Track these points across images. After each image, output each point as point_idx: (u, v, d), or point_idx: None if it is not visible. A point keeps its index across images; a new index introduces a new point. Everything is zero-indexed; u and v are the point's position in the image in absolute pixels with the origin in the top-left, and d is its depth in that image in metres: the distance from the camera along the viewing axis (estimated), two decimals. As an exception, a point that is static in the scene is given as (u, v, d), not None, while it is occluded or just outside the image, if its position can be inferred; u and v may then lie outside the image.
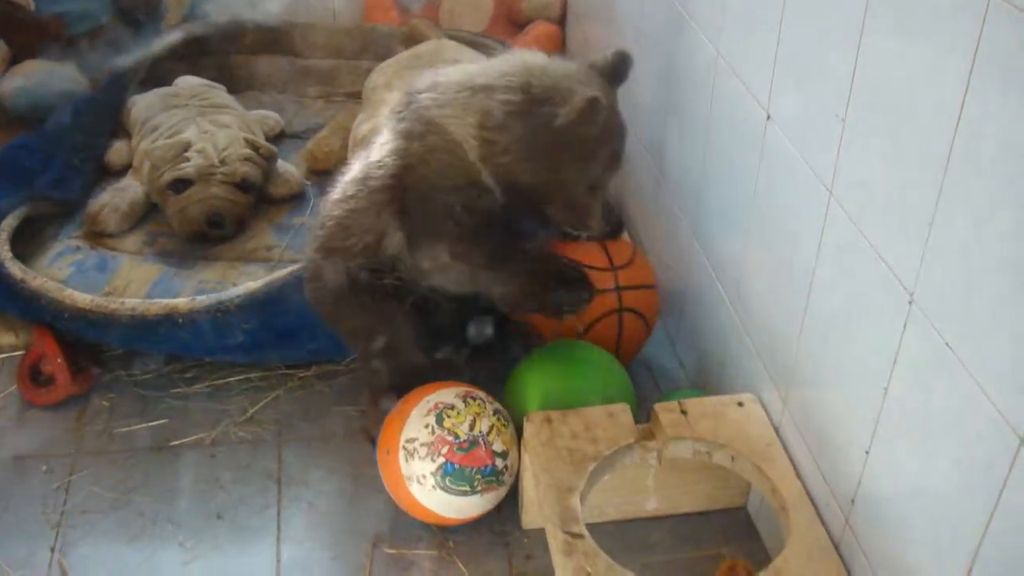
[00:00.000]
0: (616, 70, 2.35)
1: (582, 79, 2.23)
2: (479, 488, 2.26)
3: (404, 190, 2.27)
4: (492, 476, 2.26)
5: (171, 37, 3.92)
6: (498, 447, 2.27)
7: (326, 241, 2.43)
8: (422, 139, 2.25)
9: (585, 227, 2.31)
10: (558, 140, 2.15)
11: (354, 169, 2.44)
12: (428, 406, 2.29)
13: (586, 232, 2.38)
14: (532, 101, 2.16)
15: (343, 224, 2.39)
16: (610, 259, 2.60)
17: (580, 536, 1.97)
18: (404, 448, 2.26)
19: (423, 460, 2.24)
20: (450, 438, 2.24)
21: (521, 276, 2.29)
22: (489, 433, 2.27)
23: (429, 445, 2.24)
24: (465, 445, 2.24)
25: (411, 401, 2.33)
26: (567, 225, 2.34)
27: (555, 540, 1.98)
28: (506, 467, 2.29)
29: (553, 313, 2.32)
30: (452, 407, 2.28)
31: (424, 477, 2.25)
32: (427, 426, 2.26)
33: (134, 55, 3.78)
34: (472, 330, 2.26)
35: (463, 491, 2.25)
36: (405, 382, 2.42)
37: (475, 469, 2.24)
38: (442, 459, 2.23)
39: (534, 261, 2.33)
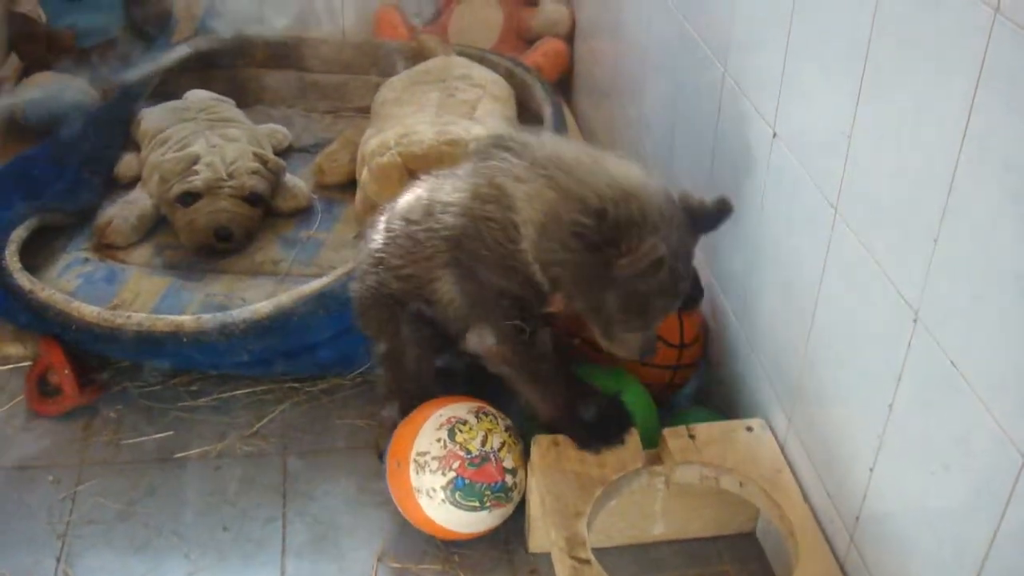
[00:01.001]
0: (710, 218, 2.19)
1: (664, 220, 2.07)
2: (488, 504, 2.26)
3: (459, 248, 2.23)
4: (501, 492, 2.27)
5: (181, 52, 3.93)
6: (508, 463, 2.27)
7: (381, 250, 2.41)
8: (484, 204, 2.18)
9: (622, 355, 2.24)
10: (612, 284, 2.06)
11: (427, 189, 2.38)
12: (441, 420, 2.30)
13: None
14: (601, 234, 2.03)
15: (398, 243, 2.37)
16: (682, 335, 2.50)
17: (587, 562, 1.96)
18: (415, 461, 2.27)
19: (434, 473, 2.25)
20: (462, 453, 2.25)
21: (561, 404, 2.26)
22: (500, 449, 2.27)
23: (441, 459, 2.25)
24: (477, 460, 2.24)
25: (423, 414, 2.33)
26: (604, 347, 2.24)
27: (562, 566, 1.97)
28: (515, 484, 2.29)
29: (583, 447, 2.23)
30: (465, 422, 2.29)
31: (434, 491, 2.25)
32: (439, 440, 2.26)
33: (145, 68, 3.80)
34: (473, 339, 2.25)
35: (472, 506, 2.25)
36: (403, 390, 2.43)
37: (485, 485, 2.24)
38: (453, 473, 2.24)
39: (580, 392, 2.28)
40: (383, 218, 2.47)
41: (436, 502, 2.25)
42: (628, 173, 2.14)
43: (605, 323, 2.15)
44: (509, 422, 2.35)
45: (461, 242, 2.21)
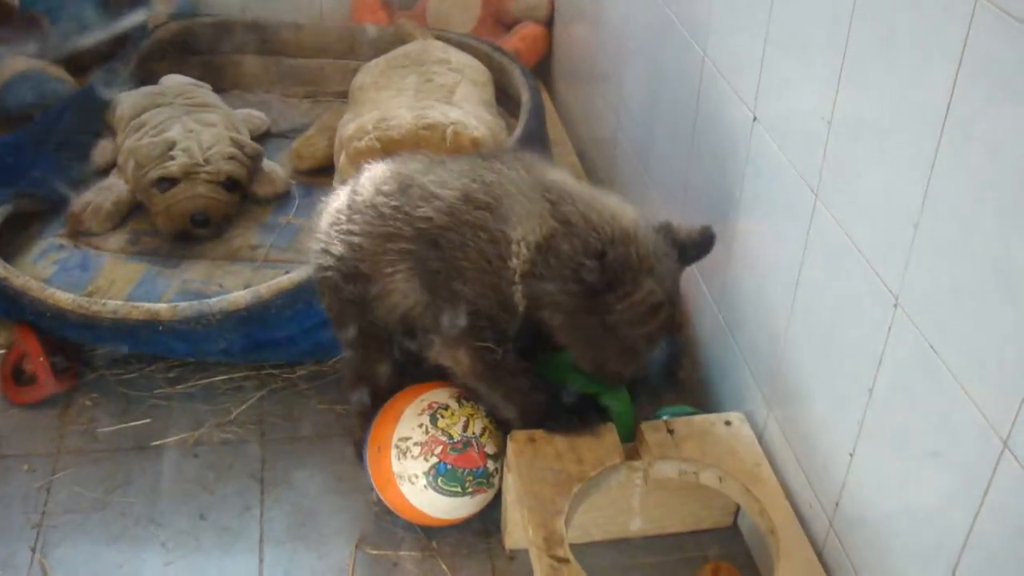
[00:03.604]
0: (695, 247, 2.20)
1: (658, 261, 2.09)
2: (470, 489, 2.25)
3: (432, 249, 2.14)
4: (483, 478, 2.26)
5: (158, 35, 3.91)
6: (490, 449, 2.27)
7: (338, 211, 2.31)
8: (475, 210, 2.12)
9: (613, 383, 2.28)
10: (606, 327, 2.08)
11: (408, 167, 2.29)
12: (422, 405, 2.29)
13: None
14: (601, 277, 2.02)
15: (358, 209, 2.26)
16: None
17: (566, 560, 1.94)
18: (396, 446, 2.25)
19: (416, 459, 2.23)
20: (444, 438, 2.24)
21: (534, 413, 2.22)
22: (482, 435, 2.26)
23: (423, 444, 2.23)
24: (459, 446, 2.24)
25: (404, 399, 2.32)
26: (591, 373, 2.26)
27: (540, 564, 1.95)
28: (496, 469, 2.28)
29: (562, 431, 2.22)
30: (446, 407, 2.28)
31: (416, 476, 2.24)
32: (421, 425, 2.25)
33: (120, 53, 3.77)
34: (445, 321, 2.21)
35: (454, 492, 2.24)
36: (374, 374, 2.39)
37: (467, 470, 2.24)
38: (435, 459, 2.23)
39: (552, 396, 2.25)
40: (348, 184, 2.39)
41: (418, 488, 2.24)
42: (624, 212, 2.13)
43: (597, 361, 2.17)
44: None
45: (437, 243, 2.14)
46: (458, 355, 2.19)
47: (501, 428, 2.31)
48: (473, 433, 2.26)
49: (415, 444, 2.24)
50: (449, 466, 2.23)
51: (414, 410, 2.29)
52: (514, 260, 2.09)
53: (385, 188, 2.25)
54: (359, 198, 2.29)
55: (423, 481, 2.24)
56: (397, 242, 2.19)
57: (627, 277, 2.04)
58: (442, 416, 2.26)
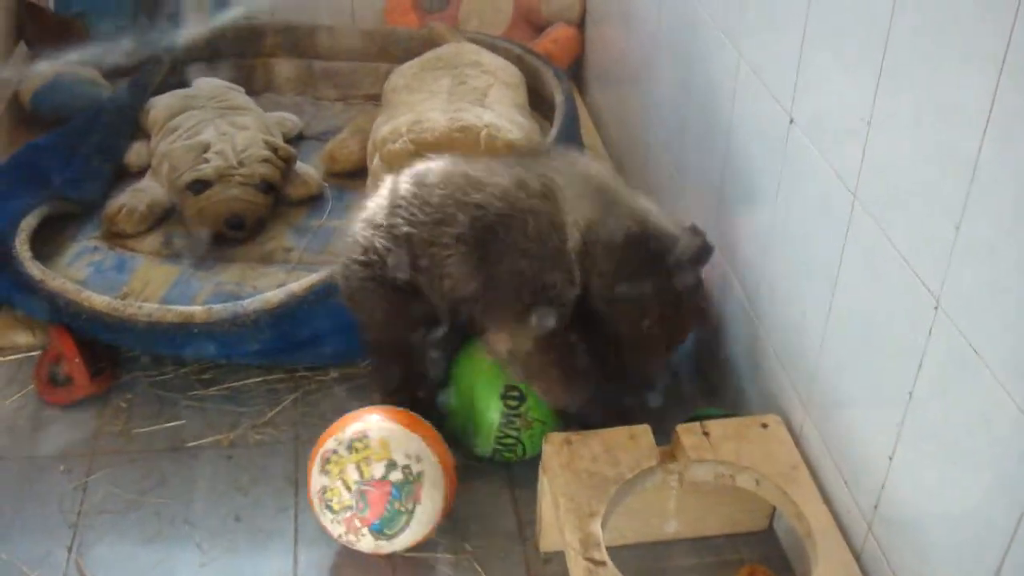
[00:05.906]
0: (699, 253, 2.31)
1: (685, 233, 2.30)
2: (408, 507, 2.18)
3: (489, 232, 2.22)
4: (405, 488, 2.17)
5: (191, 39, 3.93)
6: (378, 470, 2.16)
7: (375, 212, 2.37)
8: (531, 198, 2.23)
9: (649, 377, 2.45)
10: (653, 290, 2.25)
11: (446, 161, 2.39)
12: (314, 496, 2.22)
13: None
14: (647, 234, 2.24)
15: (399, 203, 2.32)
16: None
17: (602, 563, 1.92)
18: (331, 524, 2.22)
19: (359, 542, 2.22)
20: (348, 515, 2.18)
21: (580, 387, 2.32)
22: (363, 475, 2.16)
23: (342, 534, 2.21)
24: (361, 507, 2.17)
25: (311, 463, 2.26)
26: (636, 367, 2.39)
27: (576, 567, 1.94)
28: (408, 465, 2.18)
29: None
30: (324, 490, 2.20)
31: (363, 542, 2.21)
32: (323, 515, 2.22)
33: (154, 56, 3.79)
34: (507, 301, 2.26)
35: (403, 524, 2.19)
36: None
37: (388, 511, 2.17)
38: (366, 529, 2.18)
39: (600, 389, 2.34)
40: (383, 185, 2.44)
41: (374, 545, 2.21)
42: (647, 202, 2.35)
43: (638, 336, 2.29)
44: (361, 426, 2.24)
45: (494, 228, 2.21)
46: (520, 336, 2.23)
47: (392, 423, 2.23)
48: (356, 481, 2.16)
49: (341, 537, 2.23)
50: (377, 522, 2.18)
51: (317, 507, 2.23)
52: (570, 242, 2.20)
53: (429, 180, 2.32)
54: (400, 194, 2.33)
55: (372, 544, 2.21)
56: (450, 227, 2.25)
57: (670, 233, 2.27)
58: (330, 505, 2.19)
